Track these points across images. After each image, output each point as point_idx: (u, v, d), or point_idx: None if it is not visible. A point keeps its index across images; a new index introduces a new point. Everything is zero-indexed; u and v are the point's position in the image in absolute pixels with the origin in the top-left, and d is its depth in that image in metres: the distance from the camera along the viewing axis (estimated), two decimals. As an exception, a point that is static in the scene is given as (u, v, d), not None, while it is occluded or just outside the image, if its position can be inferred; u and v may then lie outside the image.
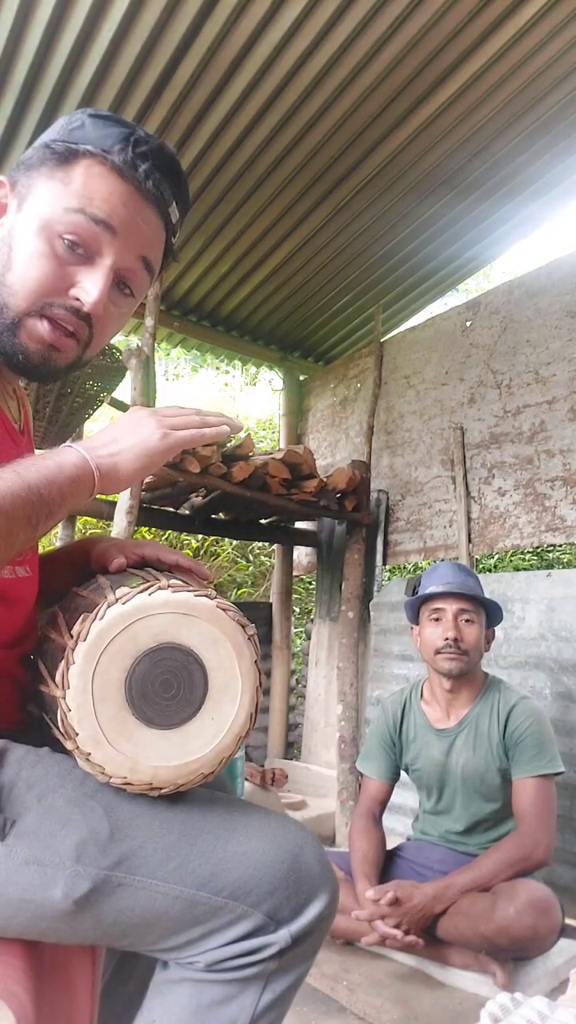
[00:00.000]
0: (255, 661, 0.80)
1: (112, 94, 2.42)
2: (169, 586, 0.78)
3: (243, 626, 0.80)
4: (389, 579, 3.92)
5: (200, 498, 3.18)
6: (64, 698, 0.74)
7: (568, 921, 1.87)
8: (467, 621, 2.06)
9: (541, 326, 3.06)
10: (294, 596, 4.37)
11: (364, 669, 3.42)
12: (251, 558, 5.98)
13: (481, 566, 4.75)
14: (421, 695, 2.22)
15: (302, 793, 3.33)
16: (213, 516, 3.48)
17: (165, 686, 0.76)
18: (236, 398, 8.18)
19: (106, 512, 2.86)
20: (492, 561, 5.35)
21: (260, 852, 0.79)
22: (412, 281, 3.77)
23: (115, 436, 0.82)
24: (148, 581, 0.79)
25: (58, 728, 0.76)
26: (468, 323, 3.40)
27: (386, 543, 3.62)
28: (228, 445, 2.91)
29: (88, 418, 2.75)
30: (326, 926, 0.82)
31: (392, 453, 3.67)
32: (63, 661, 0.75)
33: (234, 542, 5.85)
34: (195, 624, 0.77)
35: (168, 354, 7.26)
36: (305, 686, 4.02)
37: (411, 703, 2.23)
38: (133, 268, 0.87)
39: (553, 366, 2.99)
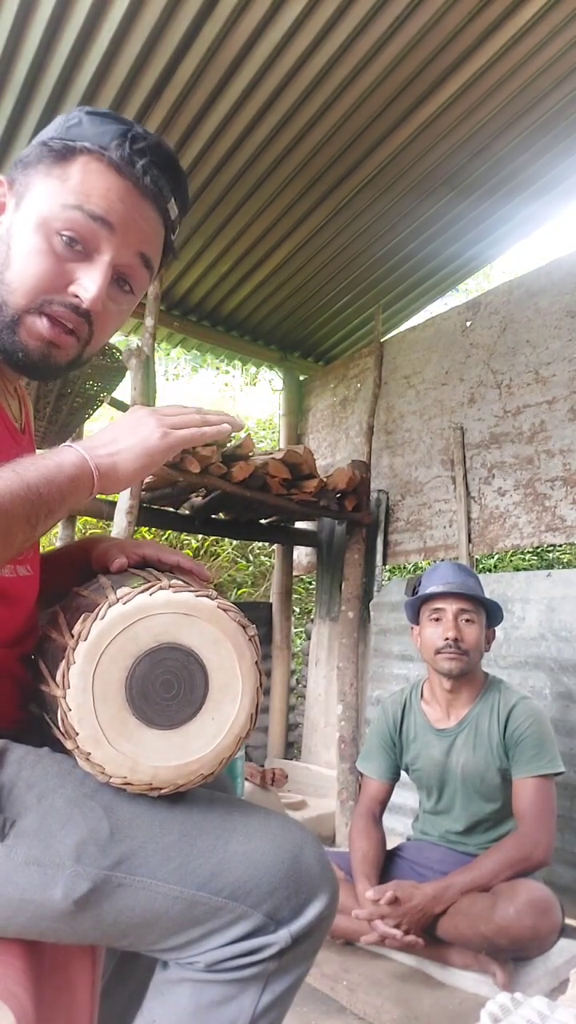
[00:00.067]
0: (256, 662, 0.80)
1: (112, 94, 2.42)
2: (170, 586, 0.78)
3: (244, 627, 0.80)
4: (389, 579, 3.92)
5: (200, 498, 3.18)
6: (64, 698, 0.74)
7: (568, 921, 1.87)
8: (467, 621, 2.06)
9: (541, 326, 3.06)
10: (294, 596, 4.37)
11: (364, 669, 3.42)
12: (251, 558, 5.98)
13: (481, 566, 4.75)
14: (421, 695, 2.22)
15: (302, 793, 3.33)
16: (213, 516, 3.48)
17: (166, 686, 0.76)
18: (236, 398, 8.18)
19: (106, 512, 2.86)
20: (492, 561, 5.35)
21: (260, 852, 0.79)
22: (412, 281, 3.77)
23: (115, 436, 0.81)
24: (149, 581, 0.79)
25: (58, 728, 0.76)
26: (468, 323, 3.40)
27: (386, 543, 3.62)
28: (228, 445, 2.91)
29: (88, 418, 2.75)
30: (326, 926, 0.82)
31: (392, 453, 3.67)
32: (64, 661, 0.75)
33: (234, 542, 5.85)
34: (196, 624, 0.77)
35: (168, 354, 7.26)
36: (305, 686, 4.02)
37: (411, 703, 2.23)
38: (132, 264, 0.87)
39: (553, 366, 2.99)
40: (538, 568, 5.17)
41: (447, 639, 2.03)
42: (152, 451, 0.80)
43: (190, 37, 2.22)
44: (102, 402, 2.71)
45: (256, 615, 3.89)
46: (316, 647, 3.93)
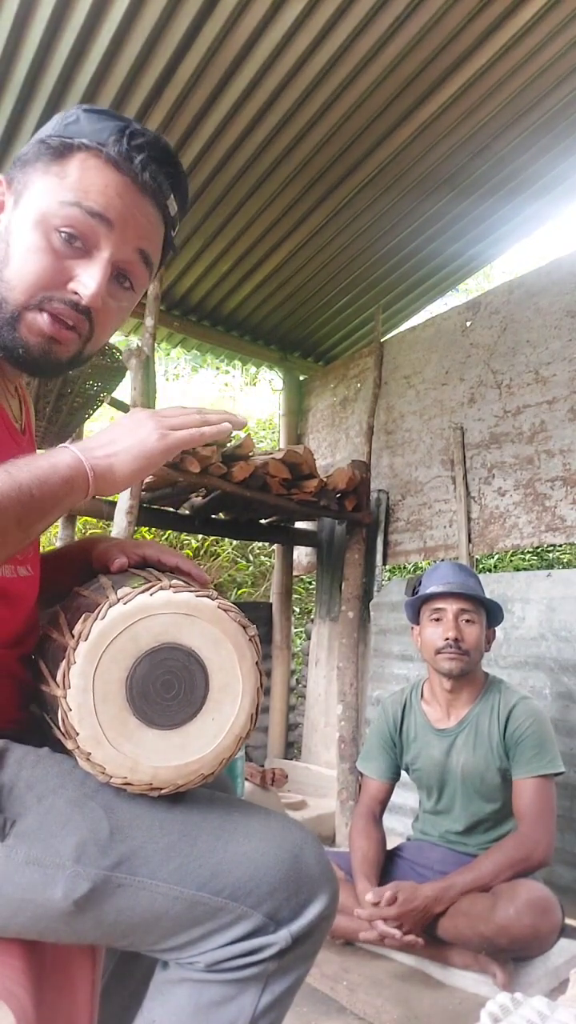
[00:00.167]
0: (256, 662, 0.80)
1: (112, 94, 2.41)
2: (171, 586, 0.78)
3: (244, 627, 0.80)
4: (389, 579, 3.92)
5: (200, 498, 3.18)
6: (65, 698, 0.74)
7: (568, 921, 1.87)
8: (468, 621, 2.06)
9: (541, 326, 3.06)
10: (294, 596, 4.37)
11: (364, 669, 3.42)
12: (251, 558, 5.98)
13: (481, 566, 4.75)
14: (421, 695, 2.22)
15: (302, 793, 3.33)
16: (213, 516, 3.48)
17: (166, 686, 0.76)
18: (236, 398, 8.17)
19: (106, 512, 2.86)
20: (492, 561, 5.35)
21: (260, 852, 0.79)
22: (412, 281, 3.77)
23: (113, 437, 0.81)
24: (150, 581, 0.79)
25: (59, 728, 0.76)
26: (468, 323, 3.40)
27: (386, 543, 3.62)
28: (228, 445, 2.91)
29: (88, 418, 2.75)
30: (326, 926, 0.82)
31: (392, 453, 3.67)
32: (64, 661, 0.75)
33: (234, 542, 5.85)
34: (196, 625, 0.77)
35: (168, 354, 7.26)
36: (305, 686, 4.02)
37: (411, 703, 2.23)
38: (131, 260, 0.87)
39: (553, 366, 2.99)
40: (538, 568, 5.17)
41: (447, 639, 2.03)
42: (150, 452, 0.80)
43: (190, 37, 2.22)
44: (102, 402, 2.71)
45: (256, 615, 3.88)
46: (316, 647, 3.93)
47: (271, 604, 4.06)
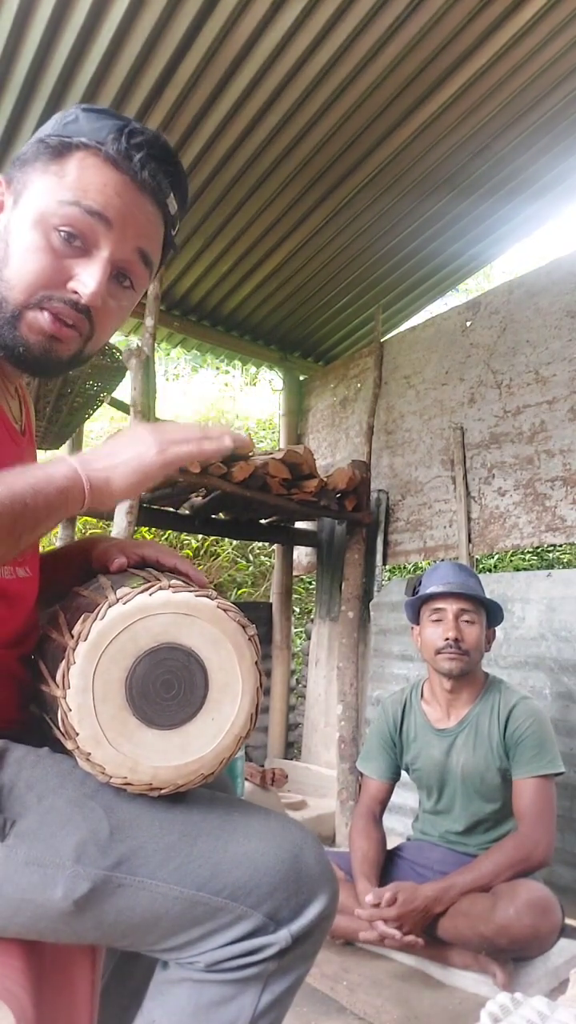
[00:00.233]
0: (256, 662, 0.80)
1: (112, 93, 2.42)
2: (170, 586, 0.78)
3: (244, 627, 0.80)
4: (389, 579, 3.92)
5: (200, 498, 3.18)
6: (65, 698, 0.74)
7: (568, 921, 1.87)
8: (468, 621, 2.06)
9: (541, 326, 3.06)
10: (294, 596, 4.37)
11: (364, 669, 3.42)
12: (251, 558, 5.98)
13: (481, 566, 4.75)
14: (421, 695, 2.22)
15: (302, 793, 3.33)
16: (213, 516, 3.48)
17: (166, 686, 0.76)
18: (236, 398, 8.17)
19: (106, 512, 2.86)
20: (492, 561, 5.35)
21: (260, 852, 0.79)
22: (412, 281, 3.77)
23: (112, 450, 0.81)
24: (149, 581, 0.79)
25: (58, 728, 0.76)
26: (468, 323, 3.40)
27: (386, 543, 3.62)
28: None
29: (88, 418, 2.76)
30: (326, 926, 0.82)
31: (392, 453, 3.67)
32: (64, 661, 0.75)
33: (234, 542, 5.85)
34: (196, 624, 0.77)
35: (168, 354, 7.26)
36: (305, 686, 4.02)
37: (411, 703, 2.23)
38: (131, 260, 0.87)
39: (553, 366, 2.99)
40: (538, 568, 5.17)
41: (447, 639, 2.03)
42: (147, 466, 0.80)
43: (190, 37, 2.22)
44: (102, 402, 2.71)
45: (256, 615, 3.89)
46: (316, 647, 3.93)
47: (271, 604, 4.06)
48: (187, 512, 3.32)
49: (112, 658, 0.74)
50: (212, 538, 5.62)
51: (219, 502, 3.14)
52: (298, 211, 3.08)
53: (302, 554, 4.21)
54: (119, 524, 2.56)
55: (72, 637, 0.75)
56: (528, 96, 2.56)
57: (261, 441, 6.43)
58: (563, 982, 1.82)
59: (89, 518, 4.37)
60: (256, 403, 8.00)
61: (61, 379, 2.49)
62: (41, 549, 1.02)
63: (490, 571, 5.13)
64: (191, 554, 5.71)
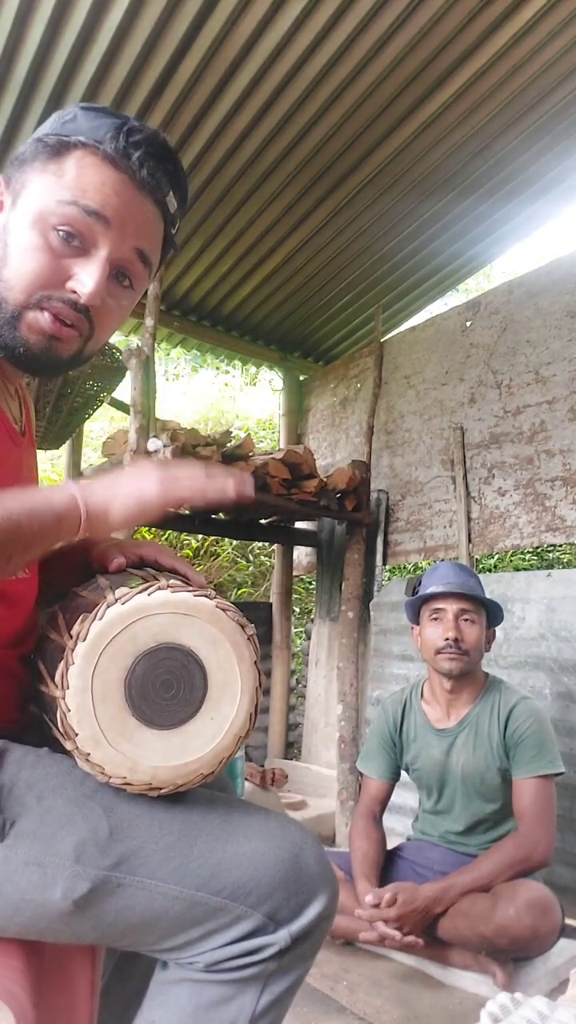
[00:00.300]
0: (255, 661, 0.80)
1: (112, 93, 2.42)
2: (168, 586, 0.77)
3: (242, 626, 0.80)
4: (389, 579, 3.92)
5: (200, 498, 3.17)
6: (64, 698, 0.74)
7: (568, 921, 1.87)
8: (468, 621, 2.06)
9: (541, 326, 3.06)
10: (294, 596, 4.37)
11: (364, 669, 3.42)
12: (251, 558, 5.98)
13: (481, 566, 4.75)
14: (421, 695, 2.22)
15: (302, 793, 3.33)
16: (213, 516, 3.48)
17: (165, 686, 0.76)
18: (236, 398, 8.17)
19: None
20: (492, 561, 5.35)
21: (260, 852, 0.79)
22: (412, 281, 3.77)
23: (115, 481, 0.81)
24: (147, 581, 0.79)
25: (58, 728, 0.76)
26: (468, 323, 3.40)
27: (386, 543, 3.62)
28: (228, 445, 2.91)
29: (88, 418, 2.76)
30: (326, 926, 0.82)
31: (392, 453, 3.67)
32: (63, 661, 0.75)
33: (234, 542, 5.85)
34: (194, 624, 0.77)
35: (168, 354, 7.26)
36: (305, 686, 4.02)
37: (411, 703, 2.23)
38: (130, 259, 0.86)
39: (553, 366, 2.99)
40: (538, 568, 5.17)
41: (447, 639, 2.03)
42: (147, 501, 0.80)
43: (190, 37, 2.22)
44: (102, 402, 2.71)
45: (256, 615, 3.88)
46: (316, 647, 3.93)
47: (271, 604, 4.06)
48: (187, 512, 3.32)
49: (111, 658, 0.74)
50: (212, 538, 5.61)
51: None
52: (298, 211, 3.08)
53: (302, 554, 4.21)
54: (119, 524, 2.56)
55: (71, 637, 0.75)
56: (528, 96, 2.56)
57: (261, 441, 6.43)
58: (563, 982, 1.82)
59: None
60: (256, 403, 8.00)
61: (61, 379, 2.49)
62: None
63: (490, 571, 5.13)
64: (191, 554, 5.71)
